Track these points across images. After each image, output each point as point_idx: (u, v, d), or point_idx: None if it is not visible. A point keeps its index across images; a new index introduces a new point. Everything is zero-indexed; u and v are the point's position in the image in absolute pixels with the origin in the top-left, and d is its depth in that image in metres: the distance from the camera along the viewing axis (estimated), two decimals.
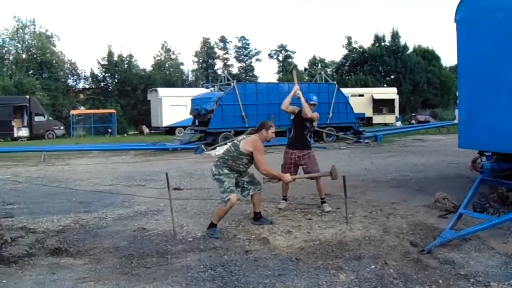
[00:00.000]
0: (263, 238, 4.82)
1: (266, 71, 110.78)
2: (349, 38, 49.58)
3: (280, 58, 53.94)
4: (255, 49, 53.16)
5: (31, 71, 35.71)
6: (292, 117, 6.40)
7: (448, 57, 69.78)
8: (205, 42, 50.12)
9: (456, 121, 17.26)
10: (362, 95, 35.81)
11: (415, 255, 4.13)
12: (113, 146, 19.25)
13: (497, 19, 5.44)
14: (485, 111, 5.69)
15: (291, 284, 3.57)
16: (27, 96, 29.16)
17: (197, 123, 19.74)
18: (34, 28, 37.88)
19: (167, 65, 44.67)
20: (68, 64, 39.82)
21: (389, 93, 38.00)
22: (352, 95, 30.13)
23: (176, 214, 5.66)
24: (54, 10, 72.41)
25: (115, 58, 38.64)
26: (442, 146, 15.92)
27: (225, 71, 28.73)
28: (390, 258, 4.06)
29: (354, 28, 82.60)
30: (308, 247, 4.48)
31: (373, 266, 3.88)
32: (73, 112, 33.09)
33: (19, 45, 37.34)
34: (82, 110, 36.25)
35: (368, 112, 35.20)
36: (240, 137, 5.30)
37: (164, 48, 46.24)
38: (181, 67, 46.38)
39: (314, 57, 52.29)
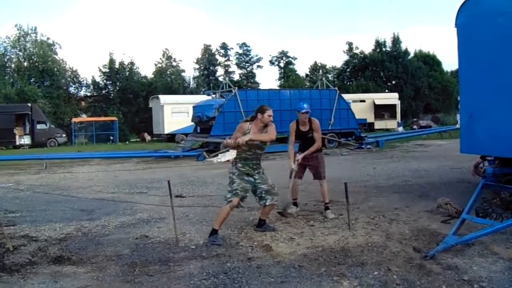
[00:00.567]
0: (266, 245, 4.81)
1: (268, 78, 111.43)
2: (350, 44, 49.69)
3: (281, 64, 54.00)
4: (256, 55, 53.32)
5: (32, 79, 35.93)
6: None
7: (450, 62, 69.86)
8: (206, 49, 50.24)
9: (458, 126, 17.23)
10: (363, 101, 35.96)
11: (418, 261, 4.11)
12: (115, 153, 19.26)
13: (497, 24, 5.46)
14: (487, 116, 5.68)
15: None
16: (29, 104, 29.25)
17: (199, 130, 19.77)
18: (36, 36, 38.14)
19: (168, 72, 44.70)
20: (70, 72, 40.05)
21: (391, 98, 38.14)
22: (354, 101, 30.26)
23: (179, 221, 5.65)
24: (55, 18, 73.02)
25: (117, 66, 38.79)
26: (444, 151, 15.87)
27: (227, 78, 28.86)
28: (393, 264, 4.04)
29: (355, 34, 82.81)
30: (311, 254, 4.47)
31: (376, 273, 3.86)
32: (74, 119, 33.23)
33: (20, 53, 37.54)
34: (83, 117, 36.39)
35: (370, 118, 35.32)
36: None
37: (165, 55, 46.34)
38: (183, 74, 46.44)
39: (315, 63, 52.37)
